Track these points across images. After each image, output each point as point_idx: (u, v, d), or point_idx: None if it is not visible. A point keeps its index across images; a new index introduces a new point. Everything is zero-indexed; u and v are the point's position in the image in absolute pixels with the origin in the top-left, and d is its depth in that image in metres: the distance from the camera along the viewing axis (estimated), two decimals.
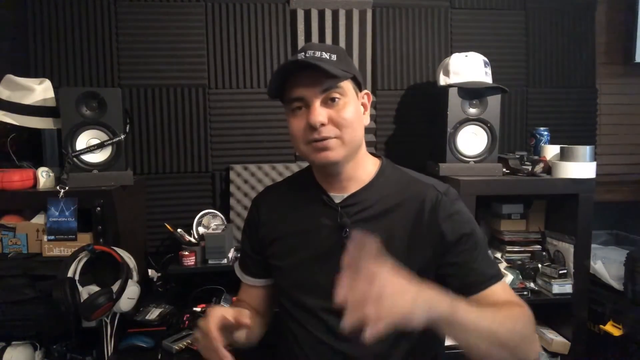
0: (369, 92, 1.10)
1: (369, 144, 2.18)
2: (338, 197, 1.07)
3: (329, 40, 2.13)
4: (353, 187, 1.06)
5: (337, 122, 0.99)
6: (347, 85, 1.01)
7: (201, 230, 1.98)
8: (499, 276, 1.04)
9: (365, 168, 1.08)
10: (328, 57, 0.99)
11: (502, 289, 1.04)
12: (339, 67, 0.98)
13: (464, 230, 1.02)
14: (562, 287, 1.79)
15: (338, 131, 1.00)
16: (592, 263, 1.84)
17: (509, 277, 1.79)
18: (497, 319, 0.89)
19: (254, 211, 1.19)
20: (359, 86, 1.06)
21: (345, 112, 0.99)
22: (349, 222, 1.03)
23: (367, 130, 2.19)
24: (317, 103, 0.99)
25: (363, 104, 1.07)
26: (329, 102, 0.99)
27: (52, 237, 1.52)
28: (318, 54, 0.99)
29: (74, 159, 1.60)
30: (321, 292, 1.05)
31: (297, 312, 1.10)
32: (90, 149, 1.62)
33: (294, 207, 1.11)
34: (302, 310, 1.08)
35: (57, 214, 1.51)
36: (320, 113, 0.98)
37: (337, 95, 0.99)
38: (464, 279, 1.02)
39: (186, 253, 1.84)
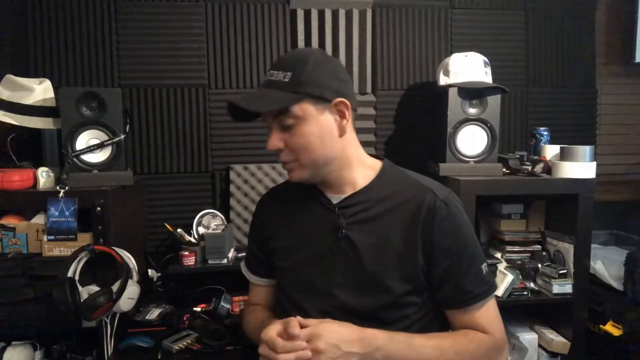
0: (344, 100, 1.00)
1: (369, 144, 2.18)
2: (336, 198, 1.07)
3: (329, 40, 2.13)
4: (350, 190, 1.06)
5: (291, 148, 1.00)
6: (303, 106, 0.97)
7: (201, 230, 1.99)
8: (482, 295, 1.02)
9: (361, 172, 1.07)
10: (281, 78, 0.97)
11: (484, 311, 1.03)
12: (290, 88, 0.96)
13: (457, 246, 1.01)
14: (562, 287, 1.79)
15: (294, 155, 1.01)
16: (592, 263, 1.84)
17: (508, 277, 1.79)
18: (443, 357, 0.96)
19: (258, 211, 1.21)
20: (327, 98, 0.99)
21: (297, 137, 0.98)
22: (344, 223, 1.03)
23: (367, 130, 2.19)
24: (274, 128, 1.00)
25: (340, 113, 1.01)
26: (285, 126, 0.99)
27: (52, 237, 1.52)
28: (275, 74, 0.98)
29: (74, 159, 1.60)
30: (317, 293, 1.06)
31: (294, 313, 1.10)
32: (90, 149, 1.62)
33: (294, 208, 1.12)
34: (299, 311, 1.08)
35: (57, 214, 1.51)
36: (273, 140, 1.00)
37: (289, 122, 0.98)
38: (447, 293, 1.03)
39: (186, 253, 1.84)
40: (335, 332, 0.92)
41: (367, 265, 1.01)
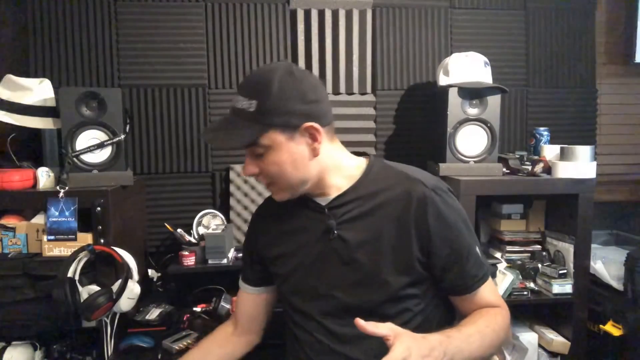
0: (313, 124, 0.97)
1: (369, 144, 2.18)
2: (323, 200, 1.06)
3: (329, 40, 2.13)
4: (335, 192, 1.06)
5: (265, 174, 1.01)
6: (271, 136, 0.95)
7: (201, 230, 1.99)
8: (486, 276, 1.05)
9: (344, 176, 1.06)
10: (246, 107, 0.95)
11: (489, 289, 1.06)
12: (255, 119, 0.94)
13: (454, 233, 1.01)
14: (562, 287, 1.79)
15: (270, 180, 1.02)
16: (592, 263, 1.84)
17: (508, 277, 1.79)
18: (485, 338, 0.97)
19: (252, 222, 1.24)
20: (295, 125, 0.96)
21: (270, 165, 0.99)
22: (334, 223, 1.03)
23: (367, 130, 2.19)
24: (247, 156, 1.01)
25: (310, 136, 0.98)
26: (257, 154, 0.99)
27: (52, 237, 1.52)
28: (240, 101, 0.96)
29: (74, 159, 1.60)
30: (316, 295, 1.07)
31: (297, 317, 1.11)
32: (90, 149, 1.62)
33: (286, 215, 1.12)
34: (301, 315, 1.10)
35: (57, 214, 1.51)
36: (248, 167, 1.01)
37: (259, 151, 0.98)
38: (452, 281, 1.03)
39: (186, 253, 1.84)
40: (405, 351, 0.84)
41: (362, 262, 1.01)
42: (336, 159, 1.05)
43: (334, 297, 1.04)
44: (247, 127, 0.95)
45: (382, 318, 1.00)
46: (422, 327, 1.02)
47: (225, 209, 2.10)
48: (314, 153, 1.00)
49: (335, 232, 1.03)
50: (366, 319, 1.00)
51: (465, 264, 1.02)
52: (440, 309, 1.09)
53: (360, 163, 1.09)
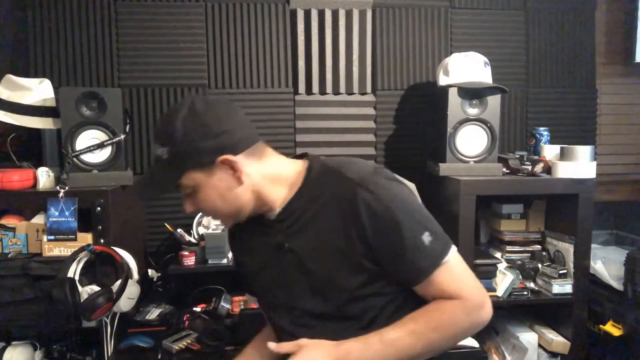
0: (226, 157, 0.95)
1: (369, 143, 2.18)
2: (271, 214, 1.05)
3: (329, 40, 2.13)
4: (278, 206, 1.04)
5: (201, 210, 1.04)
6: (189, 177, 0.96)
7: (201, 230, 1.98)
8: (434, 265, 0.95)
9: (286, 184, 1.04)
10: (161, 154, 0.96)
11: (447, 278, 0.97)
12: (169, 165, 0.96)
13: (389, 226, 0.95)
14: (562, 287, 1.79)
15: (208, 214, 1.09)
16: (592, 263, 1.84)
17: (508, 277, 1.79)
18: (422, 339, 0.95)
19: (229, 242, 1.26)
20: (208, 162, 0.95)
21: (200, 202, 1.00)
22: (282, 238, 1.03)
23: (367, 130, 2.19)
24: (182, 196, 1.02)
25: (229, 167, 0.96)
26: (187, 194, 1.01)
27: (52, 237, 1.52)
28: (155, 148, 0.98)
29: (74, 159, 1.60)
30: (284, 309, 1.07)
31: (277, 331, 1.12)
32: (90, 149, 1.62)
33: (249, 233, 1.12)
34: (279, 330, 1.10)
35: (57, 214, 1.51)
36: (185, 206, 1.03)
37: (187, 191, 0.99)
38: (400, 273, 0.98)
39: (186, 253, 1.84)
40: None
41: (315, 269, 1.01)
42: (271, 174, 1.03)
43: (299, 307, 1.04)
44: (165, 174, 0.98)
45: (348, 320, 1.01)
46: (394, 321, 0.98)
47: None
48: (239, 181, 0.99)
49: (286, 245, 1.03)
50: (333, 323, 1.01)
51: (408, 254, 0.95)
52: (410, 301, 1.02)
53: (300, 168, 1.06)
